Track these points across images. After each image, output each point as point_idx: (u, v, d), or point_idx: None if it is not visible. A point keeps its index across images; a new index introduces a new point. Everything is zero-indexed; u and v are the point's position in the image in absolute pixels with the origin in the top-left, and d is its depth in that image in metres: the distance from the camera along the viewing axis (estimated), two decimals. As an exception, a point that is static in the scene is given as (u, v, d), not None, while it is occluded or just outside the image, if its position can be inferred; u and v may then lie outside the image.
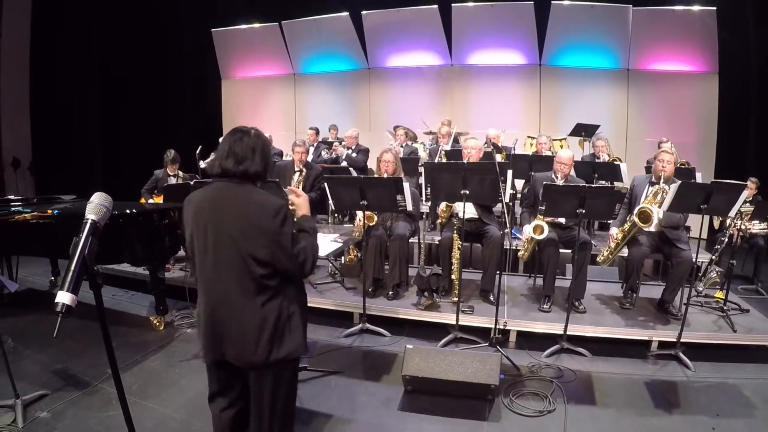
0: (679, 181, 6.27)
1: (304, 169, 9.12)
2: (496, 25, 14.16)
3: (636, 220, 6.58)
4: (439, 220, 7.64)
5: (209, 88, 17.59)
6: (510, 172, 8.38)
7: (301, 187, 8.89)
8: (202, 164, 9.68)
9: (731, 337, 6.60)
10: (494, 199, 6.89)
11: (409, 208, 6.95)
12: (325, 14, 15.34)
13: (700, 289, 7.64)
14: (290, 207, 3.42)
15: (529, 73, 14.67)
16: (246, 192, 3.32)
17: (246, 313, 3.32)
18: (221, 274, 3.34)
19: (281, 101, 17.21)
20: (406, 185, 6.67)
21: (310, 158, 11.83)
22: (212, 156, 3.31)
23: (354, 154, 11.96)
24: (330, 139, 13.25)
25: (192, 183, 8.47)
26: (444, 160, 10.06)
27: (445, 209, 7.44)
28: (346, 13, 15.09)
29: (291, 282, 3.50)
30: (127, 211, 6.95)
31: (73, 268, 2.46)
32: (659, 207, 6.63)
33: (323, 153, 12.27)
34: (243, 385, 3.65)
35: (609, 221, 7.98)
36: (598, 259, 7.46)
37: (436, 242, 8.78)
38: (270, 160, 3.53)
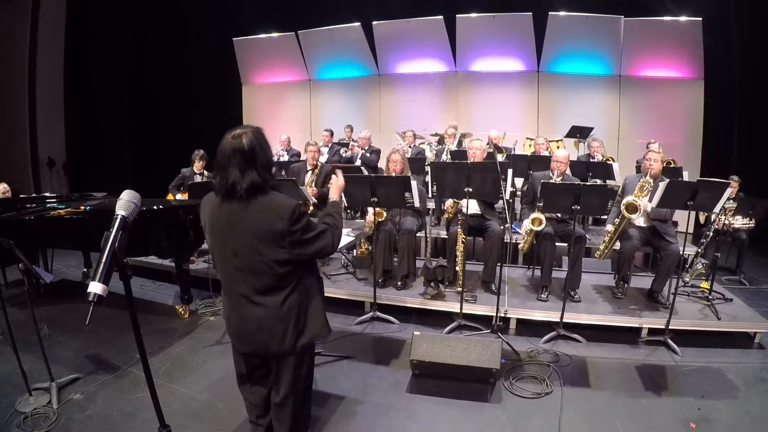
0: (668, 180, 6.26)
1: (319, 164, 9.12)
2: (497, 34, 14.13)
3: (624, 211, 6.60)
4: (446, 216, 7.63)
5: (230, 93, 17.58)
6: (510, 171, 8.34)
7: (313, 184, 8.90)
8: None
9: (716, 325, 6.59)
10: (495, 196, 6.87)
11: (417, 204, 6.95)
12: (338, 24, 15.33)
13: (687, 279, 7.62)
14: (306, 204, 3.40)
15: (528, 79, 14.63)
16: (257, 204, 3.20)
17: (269, 309, 3.33)
18: (243, 276, 3.32)
19: (298, 105, 17.17)
20: (413, 183, 6.68)
21: (324, 158, 11.85)
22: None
23: (368, 154, 12.00)
24: (345, 140, 13.28)
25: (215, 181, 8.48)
26: (449, 160, 10.06)
27: (451, 206, 7.44)
28: (358, 24, 15.06)
29: (309, 268, 3.53)
30: (155, 207, 6.96)
31: (104, 260, 2.45)
32: (646, 200, 6.66)
33: (341, 152, 12.30)
34: (268, 368, 3.70)
35: (602, 217, 8.00)
36: (595, 255, 7.44)
37: (442, 236, 8.77)
38: (270, 158, 3.38)
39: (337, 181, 4.04)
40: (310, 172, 9.03)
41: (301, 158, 11.46)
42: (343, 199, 7.07)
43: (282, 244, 3.20)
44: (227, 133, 3.29)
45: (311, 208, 8.57)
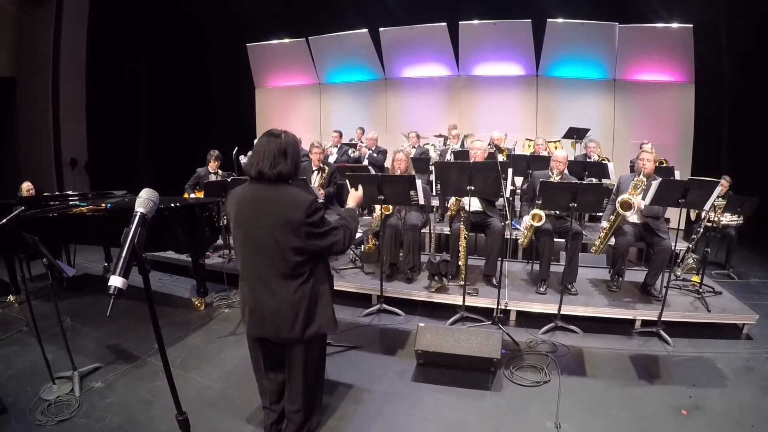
0: (660, 179, 6.26)
1: (326, 168, 9.12)
2: (498, 40, 14.12)
3: (618, 208, 6.62)
4: (449, 213, 7.63)
5: (244, 96, 17.60)
6: (510, 171, 8.36)
7: (321, 185, 8.90)
8: (243, 159, 9.65)
9: (706, 316, 6.59)
10: (496, 194, 6.86)
11: (422, 202, 6.95)
12: (346, 31, 15.34)
13: (679, 273, 7.62)
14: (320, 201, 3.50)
15: (527, 82, 14.61)
16: (280, 192, 3.40)
17: (283, 296, 3.46)
18: (261, 262, 3.48)
19: (308, 108, 17.19)
20: (418, 182, 6.67)
21: (333, 158, 11.86)
22: (249, 155, 3.33)
23: (375, 154, 12.03)
24: (355, 140, 13.31)
25: (229, 180, 8.54)
26: (452, 159, 10.06)
27: (454, 203, 7.44)
28: (365, 30, 15.06)
29: (322, 262, 3.65)
30: (172, 204, 6.98)
31: (124, 255, 2.44)
32: (640, 198, 6.67)
33: (350, 152, 12.31)
34: (282, 356, 3.79)
35: (598, 214, 8.00)
36: (591, 250, 7.44)
37: (445, 232, 8.77)
38: (299, 159, 3.60)
39: (355, 193, 4.25)
40: (316, 173, 9.03)
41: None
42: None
43: (297, 234, 3.36)
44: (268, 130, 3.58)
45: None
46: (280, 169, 3.39)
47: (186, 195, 9.92)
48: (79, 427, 4.49)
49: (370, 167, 10.57)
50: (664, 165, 9.71)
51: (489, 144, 10.82)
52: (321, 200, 8.57)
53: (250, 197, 3.49)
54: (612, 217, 6.92)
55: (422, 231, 7.91)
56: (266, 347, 3.84)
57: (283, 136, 3.48)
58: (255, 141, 3.60)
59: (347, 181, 6.92)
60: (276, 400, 3.99)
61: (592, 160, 10.49)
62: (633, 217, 7.03)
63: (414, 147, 12.21)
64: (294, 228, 3.35)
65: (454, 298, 7.08)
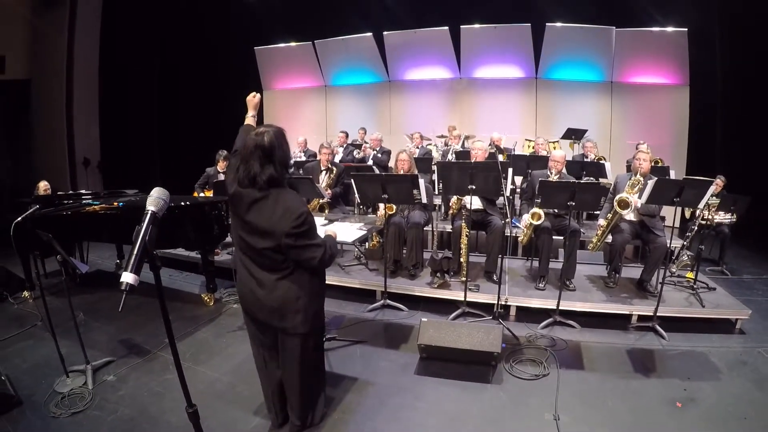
0: (656, 178, 6.25)
1: (334, 168, 9.13)
2: (498, 44, 14.12)
3: (616, 207, 6.61)
4: (451, 212, 7.63)
5: (252, 99, 17.55)
6: (510, 170, 8.39)
7: (329, 185, 8.91)
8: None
9: (700, 312, 6.58)
10: (497, 193, 6.89)
11: (424, 200, 6.95)
12: (352, 34, 15.36)
13: (674, 270, 7.64)
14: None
15: (527, 85, 14.60)
16: (272, 197, 3.38)
17: (266, 286, 3.52)
18: (252, 257, 3.54)
19: (314, 109, 17.19)
20: (421, 181, 6.67)
21: (339, 158, 11.86)
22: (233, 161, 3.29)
23: (379, 155, 12.02)
24: (359, 140, 13.35)
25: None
26: (454, 159, 10.05)
27: (456, 202, 7.44)
28: (369, 34, 15.08)
29: (305, 270, 3.59)
30: (182, 203, 6.98)
31: (135, 252, 2.44)
32: (636, 197, 6.66)
33: (354, 153, 12.32)
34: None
35: (596, 212, 7.99)
36: (588, 247, 7.44)
37: (448, 230, 8.76)
38: (288, 156, 3.59)
39: (331, 230, 4.16)
40: (324, 173, 9.04)
41: (317, 158, 11.48)
42: (357, 196, 7.10)
43: (279, 241, 3.37)
44: (252, 130, 3.50)
45: (326, 207, 8.61)
46: (269, 174, 3.36)
47: (196, 194, 9.93)
48: (92, 419, 4.50)
49: (374, 167, 10.58)
50: (660, 165, 9.70)
51: (489, 144, 10.82)
52: (328, 199, 8.59)
53: (246, 201, 3.44)
54: (609, 215, 6.92)
55: (425, 229, 7.90)
56: (266, 341, 3.87)
57: (266, 136, 3.39)
58: (237, 143, 3.55)
59: (352, 180, 6.95)
60: (279, 393, 4.02)
61: (589, 160, 10.48)
62: (630, 215, 7.00)
63: (417, 147, 12.21)
64: (280, 235, 3.34)
65: (456, 294, 7.07)
